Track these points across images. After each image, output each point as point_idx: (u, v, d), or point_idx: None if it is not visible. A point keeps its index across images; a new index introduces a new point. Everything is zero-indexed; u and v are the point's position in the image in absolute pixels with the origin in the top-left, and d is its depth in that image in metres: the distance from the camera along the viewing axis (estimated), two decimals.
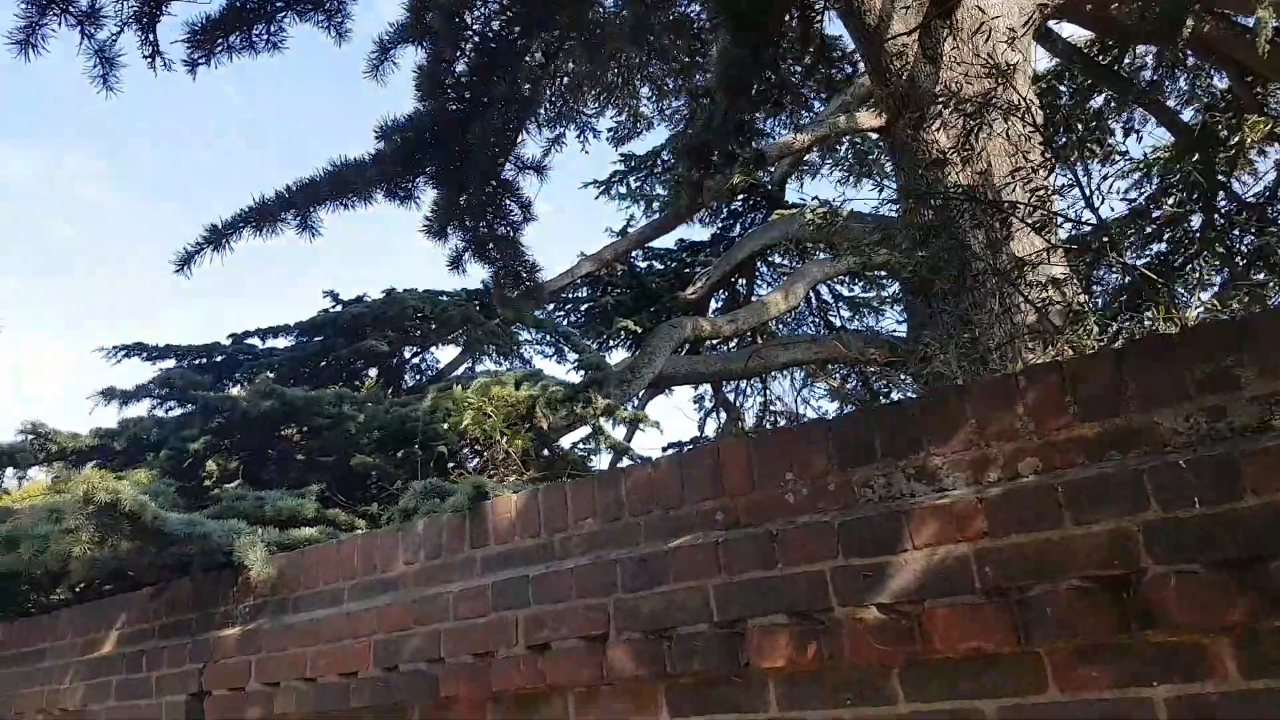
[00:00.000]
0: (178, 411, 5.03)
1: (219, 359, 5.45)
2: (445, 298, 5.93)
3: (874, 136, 11.12)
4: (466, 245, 4.31)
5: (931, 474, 1.92)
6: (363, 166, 4.12)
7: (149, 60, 3.66)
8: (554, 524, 2.61)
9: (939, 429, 1.94)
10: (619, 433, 4.70)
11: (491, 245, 4.21)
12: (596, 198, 11.57)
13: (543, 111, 12.77)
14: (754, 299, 7.54)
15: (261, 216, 3.85)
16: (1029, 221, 6.26)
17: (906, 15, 7.00)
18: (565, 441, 5.07)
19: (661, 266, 9.17)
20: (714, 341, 8.48)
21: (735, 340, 7.55)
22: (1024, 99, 7.30)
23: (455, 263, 4.14)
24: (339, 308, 5.92)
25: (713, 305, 8.67)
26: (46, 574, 3.51)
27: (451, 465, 4.28)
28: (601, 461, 4.99)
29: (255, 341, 5.67)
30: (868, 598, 1.88)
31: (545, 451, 4.52)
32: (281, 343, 5.72)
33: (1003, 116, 7.22)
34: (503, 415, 3.94)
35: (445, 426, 4.11)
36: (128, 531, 2.99)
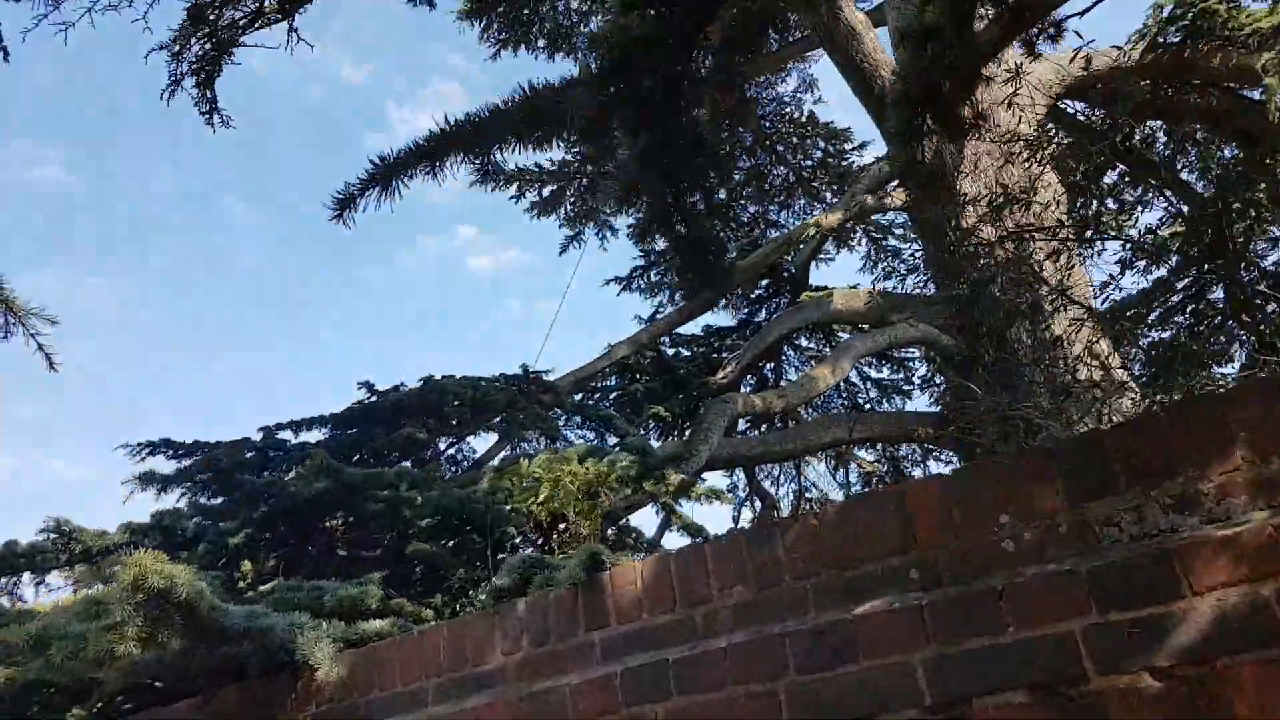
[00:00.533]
0: (218, 501, 4.66)
1: (249, 455, 5.10)
2: (483, 383, 5.65)
3: (888, 219, 11.17)
4: (660, 205, 3.94)
5: (1197, 502, 1.61)
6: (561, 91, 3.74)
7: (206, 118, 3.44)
8: (693, 595, 2.24)
9: (1200, 447, 1.63)
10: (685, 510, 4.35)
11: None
12: (619, 294, 11.54)
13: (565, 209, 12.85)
14: (787, 381, 7.31)
15: (435, 152, 3.49)
16: (1057, 302, 6.15)
17: (926, 98, 7.00)
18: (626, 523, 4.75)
19: (688, 353, 8.97)
20: (744, 426, 8.21)
21: (767, 423, 7.30)
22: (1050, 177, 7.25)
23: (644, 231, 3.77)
24: (374, 398, 5.62)
25: (742, 390, 8.41)
26: (74, 683, 3.06)
27: (514, 549, 3.93)
28: (671, 542, 4.70)
29: (287, 435, 5.34)
30: (1138, 661, 1.54)
31: (612, 531, 4.19)
32: (314, 436, 5.40)
33: (1029, 194, 7.18)
34: (575, 491, 3.61)
35: (509, 508, 3.77)
36: (179, 626, 2.59)
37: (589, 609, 2.43)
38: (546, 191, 12.63)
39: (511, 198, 12.78)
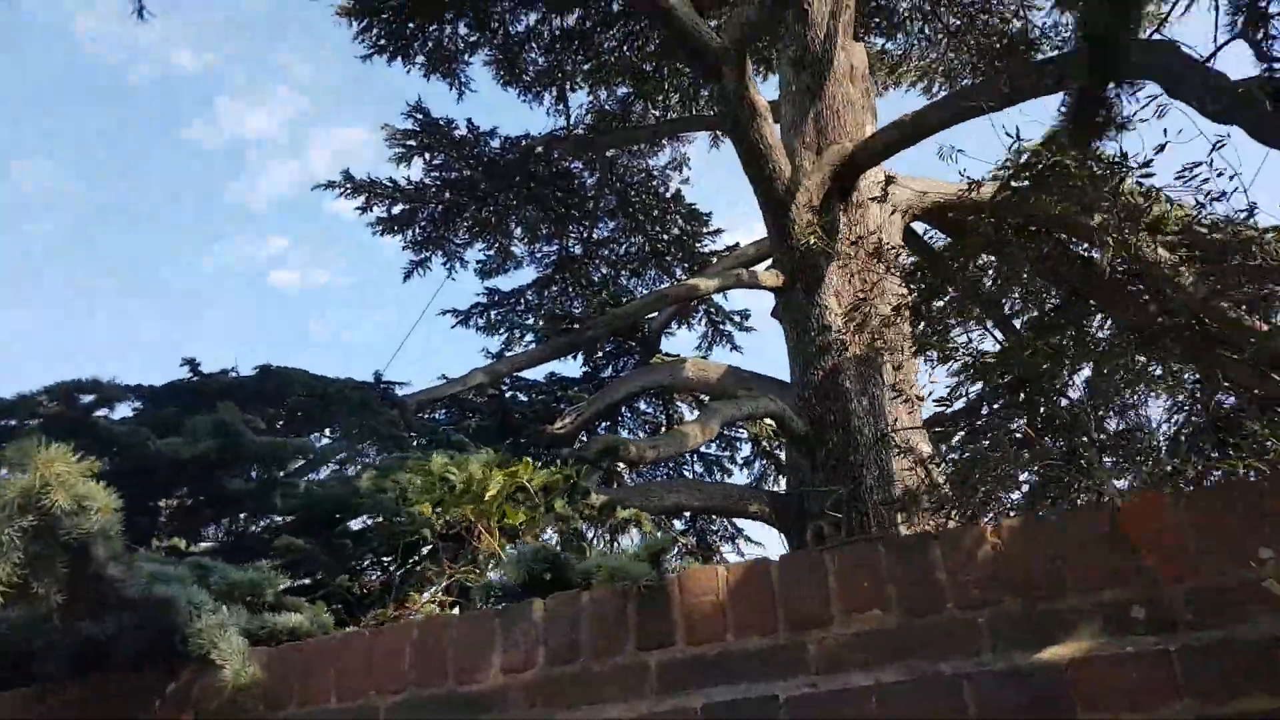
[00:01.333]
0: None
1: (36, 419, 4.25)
2: (333, 380, 5.10)
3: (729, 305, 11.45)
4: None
5: None
6: None
7: None
8: (803, 614, 1.83)
9: None
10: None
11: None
12: (453, 326, 11.11)
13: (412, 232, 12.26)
14: (674, 430, 7.18)
15: None
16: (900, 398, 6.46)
17: (809, 190, 7.26)
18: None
19: (526, 399, 8.67)
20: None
21: (615, 481, 7.09)
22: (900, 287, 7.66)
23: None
24: (196, 378, 4.89)
25: (578, 444, 8.17)
26: None
27: (416, 560, 3.43)
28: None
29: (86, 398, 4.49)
30: None
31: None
32: (121, 411, 4.60)
33: (880, 298, 7.53)
34: (530, 496, 3.21)
35: (412, 508, 3.29)
36: (61, 575, 1.95)
37: (644, 620, 1.91)
38: (397, 209, 12.08)
39: (357, 208, 12.12)
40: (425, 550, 3.42)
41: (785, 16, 7.41)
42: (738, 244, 10.94)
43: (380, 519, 3.42)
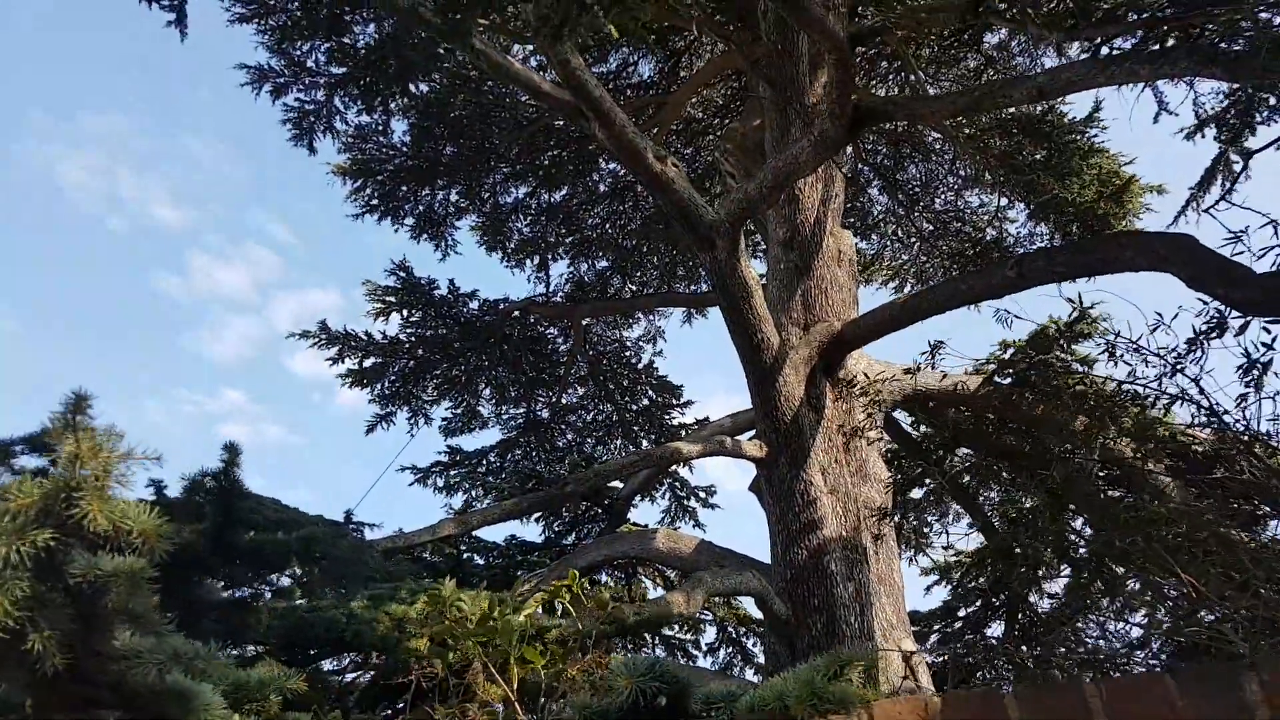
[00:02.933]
0: None
1: None
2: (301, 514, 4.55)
3: (694, 479, 11.04)
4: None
5: None
6: None
7: None
8: None
9: None
10: None
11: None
12: (411, 484, 10.63)
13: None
14: (658, 598, 6.55)
15: None
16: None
17: (796, 363, 7.10)
18: None
19: (482, 561, 8.04)
20: None
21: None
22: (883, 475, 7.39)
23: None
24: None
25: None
26: None
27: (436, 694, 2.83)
28: None
29: None
30: None
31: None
32: None
33: (865, 482, 7.22)
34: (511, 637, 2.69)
35: (410, 643, 2.73)
36: (69, 632, 1.35)
37: None
38: (369, 363, 11.76)
39: (329, 359, 11.78)
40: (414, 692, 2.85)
41: (779, 199, 7.51)
42: (707, 418, 10.73)
43: (373, 655, 2.88)
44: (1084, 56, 5.01)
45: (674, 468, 11.44)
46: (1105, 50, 4.83)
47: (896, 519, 8.51)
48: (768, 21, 7.59)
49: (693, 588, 5.35)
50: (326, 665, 3.56)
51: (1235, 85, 5.07)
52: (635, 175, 7.50)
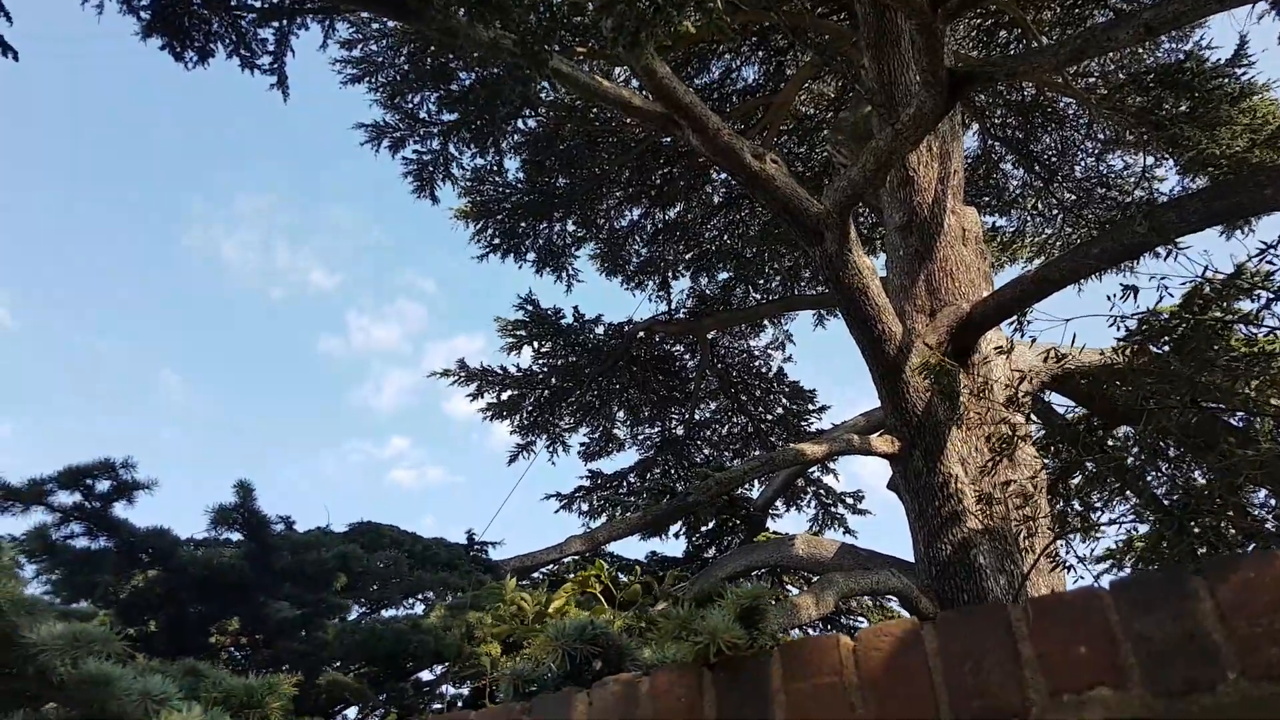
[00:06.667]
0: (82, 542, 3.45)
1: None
2: (423, 540, 4.80)
3: (839, 486, 10.83)
4: None
5: None
6: None
7: None
8: (981, 700, 1.27)
9: None
10: None
11: None
12: (556, 511, 10.95)
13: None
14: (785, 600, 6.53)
15: None
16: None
17: (923, 351, 6.87)
18: None
19: (625, 579, 8.15)
20: None
21: None
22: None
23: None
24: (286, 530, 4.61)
25: None
26: None
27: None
28: None
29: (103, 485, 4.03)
30: None
31: None
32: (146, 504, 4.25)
33: (1012, 467, 6.87)
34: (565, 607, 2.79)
35: (478, 647, 2.86)
36: None
37: (727, 710, 1.36)
38: (505, 395, 12.20)
39: (469, 395, 12.32)
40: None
41: (884, 181, 7.33)
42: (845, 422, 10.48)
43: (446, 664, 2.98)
44: None
45: (816, 474, 11.27)
46: None
47: (1057, 505, 8.04)
48: (862, 3, 7.46)
49: (823, 589, 5.22)
50: (424, 675, 3.65)
51: None
52: (735, 177, 7.51)
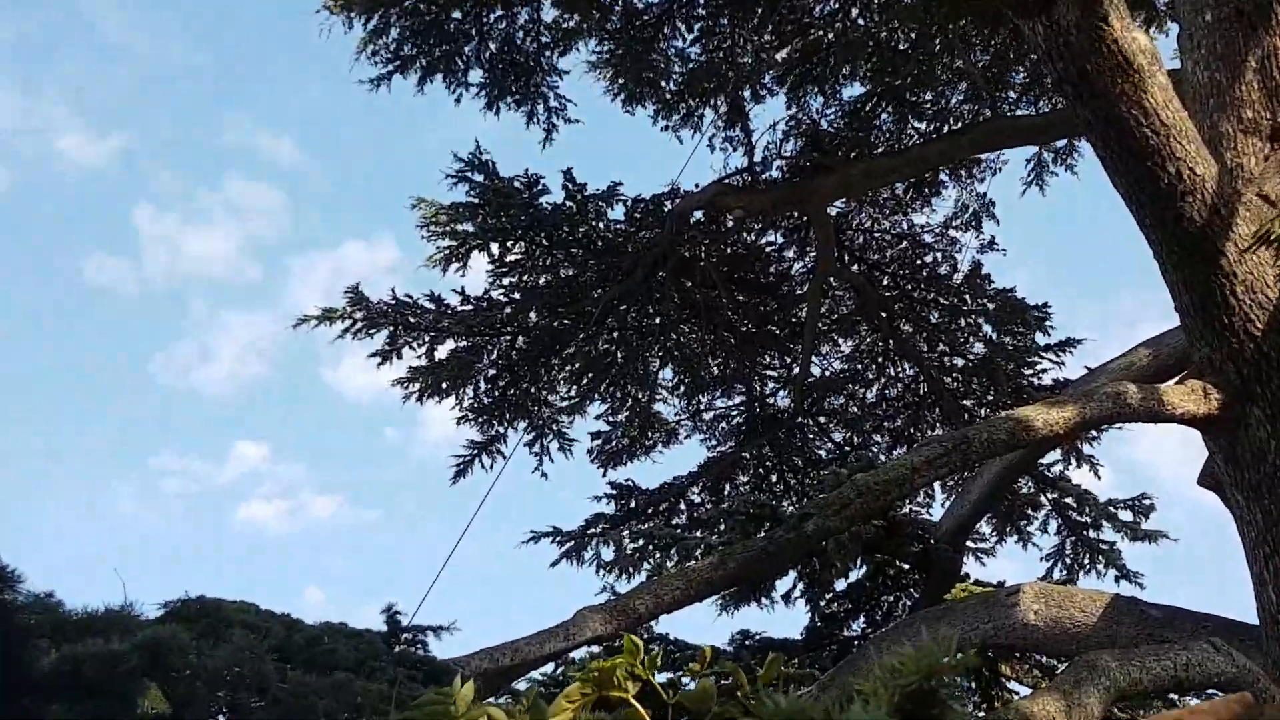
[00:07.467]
0: None
1: None
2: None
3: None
4: None
5: None
6: None
7: None
8: None
9: None
10: None
11: None
12: (555, 563, 11.72)
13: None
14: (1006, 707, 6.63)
15: None
16: None
17: (1259, 209, 6.80)
18: None
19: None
20: None
21: None
22: None
23: None
24: None
25: None
26: None
27: None
28: None
29: None
30: None
31: None
32: None
33: None
34: None
35: None
36: None
37: None
38: (443, 350, 12.43)
39: (374, 355, 12.54)
40: None
41: None
42: (1103, 365, 10.45)
43: None
44: None
45: (1058, 467, 11.26)
46: None
47: None
48: None
49: (1079, 684, 5.19)
50: None
51: None
52: None
